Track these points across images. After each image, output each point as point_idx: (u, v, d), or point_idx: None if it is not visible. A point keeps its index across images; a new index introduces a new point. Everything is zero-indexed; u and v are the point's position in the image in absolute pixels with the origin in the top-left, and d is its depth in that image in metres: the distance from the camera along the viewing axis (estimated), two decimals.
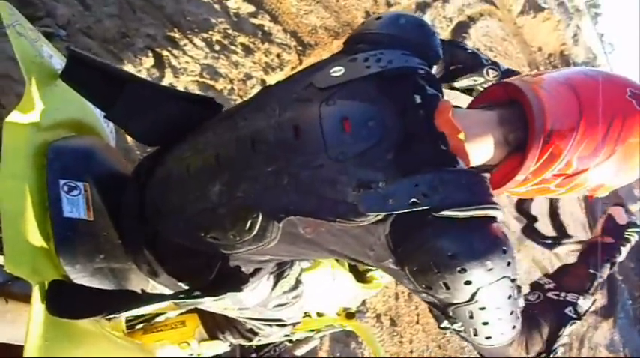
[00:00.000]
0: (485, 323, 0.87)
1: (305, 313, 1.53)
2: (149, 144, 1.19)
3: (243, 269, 1.02)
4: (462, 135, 0.91)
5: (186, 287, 1.06)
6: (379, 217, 0.84)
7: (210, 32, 3.15)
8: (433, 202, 0.81)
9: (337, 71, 0.98)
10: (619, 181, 0.99)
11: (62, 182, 0.99)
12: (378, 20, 1.10)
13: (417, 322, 3.67)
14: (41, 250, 0.93)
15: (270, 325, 1.29)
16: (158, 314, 1.44)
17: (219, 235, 0.96)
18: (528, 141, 0.93)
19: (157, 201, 1.06)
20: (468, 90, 1.31)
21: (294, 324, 1.35)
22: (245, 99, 1.31)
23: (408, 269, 0.85)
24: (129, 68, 2.56)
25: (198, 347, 1.43)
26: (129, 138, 2.14)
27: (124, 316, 1.27)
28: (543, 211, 1.34)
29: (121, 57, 2.58)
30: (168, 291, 1.09)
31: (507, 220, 5.28)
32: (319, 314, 1.61)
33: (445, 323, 0.92)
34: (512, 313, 0.88)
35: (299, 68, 3.49)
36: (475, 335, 0.89)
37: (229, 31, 3.28)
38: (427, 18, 5.65)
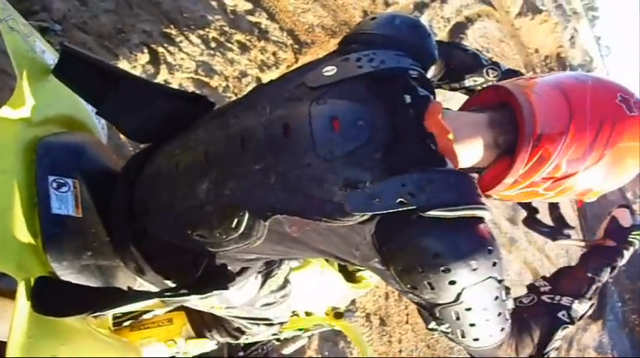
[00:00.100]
0: (472, 325, 0.86)
1: (293, 312, 1.53)
2: (140, 142, 1.19)
3: (229, 267, 1.02)
4: (451, 136, 0.91)
5: (173, 285, 1.06)
6: (365, 217, 0.84)
7: (207, 29, 3.14)
8: (420, 202, 0.81)
9: (329, 70, 0.98)
10: (608, 186, 0.99)
11: (51, 178, 0.99)
12: (373, 20, 1.10)
13: (407, 322, 3.68)
14: (28, 246, 0.92)
15: (258, 324, 1.29)
16: (146, 312, 1.44)
17: (206, 233, 0.96)
18: (518, 144, 0.94)
19: (145, 197, 1.06)
20: (469, 91, 1.31)
21: (281, 323, 1.35)
22: (239, 96, 1.31)
23: (393, 268, 0.86)
24: (124, 64, 2.55)
25: (185, 345, 1.43)
26: (122, 135, 2.14)
27: (110, 313, 1.27)
28: (544, 204, 1.32)
29: (116, 52, 2.57)
30: (155, 289, 1.09)
31: (499, 221, 5.31)
32: (308, 314, 1.62)
33: (433, 325, 0.92)
34: (500, 315, 0.88)
35: (295, 66, 3.48)
36: (463, 336, 0.89)
37: (226, 28, 3.27)
38: (425, 18, 5.66)
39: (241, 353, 1.73)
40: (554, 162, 0.93)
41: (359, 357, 3.02)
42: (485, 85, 1.27)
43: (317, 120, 0.90)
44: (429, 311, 0.89)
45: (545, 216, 1.23)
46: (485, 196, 1.00)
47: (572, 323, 1.04)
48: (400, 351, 3.56)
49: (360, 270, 1.45)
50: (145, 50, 2.73)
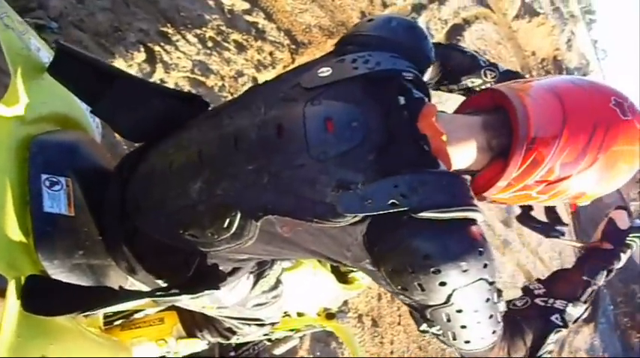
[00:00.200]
0: (463, 327, 0.87)
1: (285, 313, 1.53)
2: (135, 141, 1.19)
3: (221, 267, 1.02)
4: (444, 137, 0.91)
5: (164, 285, 1.06)
6: (357, 218, 0.84)
7: (204, 28, 3.13)
8: (412, 203, 0.81)
9: (324, 71, 0.98)
10: (601, 189, 0.99)
11: (44, 176, 0.98)
12: (369, 22, 1.10)
13: (399, 323, 3.69)
14: (19, 245, 0.92)
15: (249, 324, 1.30)
16: (137, 311, 1.44)
17: (198, 232, 0.96)
18: (511, 147, 0.94)
19: (138, 196, 1.06)
20: (467, 93, 1.30)
21: (273, 324, 1.35)
22: (234, 97, 1.31)
23: (384, 269, 0.86)
24: (120, 62, 2.54)
25: (175, 344, 1.42)
26: (116, 134, 2.13)
27: (101, 313, 1.27)
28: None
29: (112, 51, 2.56)
30: (146, 288, 1.09)
31: (493, 223, 5.32)
32: (299, 314, 1.61)
33: (424, 327, 0.92)
34: (491, 317, 0.88)
35: (291, 67, 3.48)
36: (454, 339, 0.89)
37: (223, 28, 3.26)
38: (422, 19, 5.66)
39: (232, 353, 1.72)
40: (548, 166, 0.93)
41: None
42: (483, 87, 1.27)
43: (311, 120, 0.90)
44: (421, 313, 0.89)
45: (539, 213, 1.22)
46: (478, 199, 1.00)
47: (565, 326, 1.03)
48: (392, 352, 3.57)
49: (352, 271, 1.45)
50: (142, 49, 2.72)
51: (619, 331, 9.55)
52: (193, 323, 1.41)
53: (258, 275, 1.12)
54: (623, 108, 0.95)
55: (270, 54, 3.52)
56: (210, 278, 1.00)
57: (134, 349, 1.38)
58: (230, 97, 3.00)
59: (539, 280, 1.14)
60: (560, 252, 7.28)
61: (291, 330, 1.67)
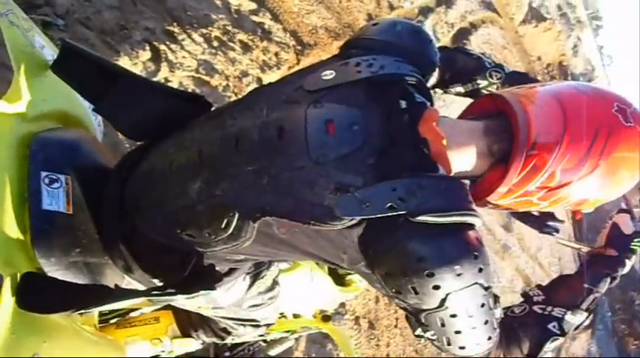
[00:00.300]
0: (457, 332, 0.86)
1: (281, 314, 1.53)
2: (137, 139, 1.19)
3: (218, 268, 1.03)
4: (445, 142, 0.91)
5: (160, 284, 1.06)
6: (354, 221, 0.83)
7: (210, 28, 3.14)
8: (410, 207, 0.81)
9: (328, 74, 0.98)
10: (603, 196, 0.99)
11: (43, 174, 0.99)
12: (374, 26, 1.10)
13: (396, 326, 3.68)
14: (16, 241, 0.92)
15: (244, 325, 1.30)
16: (133, 310, 1.44)
17: (195, 232, 0.97)
18: (512, 152, 0.94)
19: (138, 195, 1.06)
20: (473, 95, 1.29)
21: (268, 325, 1.35)
22: (239, 97, 1.31)
23: (378, 272, 0.85)
24: (125, 61, 2.55)
25: (170, 344, 1.43)
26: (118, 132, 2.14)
27: (96, 311, 1.27)
28: None
29: (117, 49, 2.57)
30: (142, 287, 1.10)
31: (493, 228, 5.30)
32: (295, 316, 1.61)
33: (419, 331, 0.91)
34: (487, 323, 0.87)
35: (296, 68, 3.49)
36: (448, 344, 0.88)
37: (229, 28, 3.27)
38: (429, 23, 5.66)
39: (227, 354, 1.72)
40: (548, 171, 0.93)
41: None
42: (489, 88, 1.27)
43: (312, 123, 0.90)
44: (415, 317, 0.89)
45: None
46: (479, 205, 1.00)
47: (562, 335, 1.03)
48: (388, 355, 3.56)
49: (349, 274, 1.45)
50: (147, 47, 2.72)
51: (616, 338, 9.51)
52: (189, 322, 1.41)
53: (255, 276, 1.12)
54: (625, 114, 0.94)
55: (276, 54, 3.52)
56: (206, 279, 1.00)
57: (128, 348, 1.38)
58: (234, 97, 3.00)
59: (539, 286, 1.13)
60: (560, 258, 7.26)
61: (287, 331, 1.67)
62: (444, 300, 0.82)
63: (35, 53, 1.11)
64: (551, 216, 1.19)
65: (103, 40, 2.53)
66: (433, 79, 1.16)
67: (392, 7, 5.12)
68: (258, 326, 1.31)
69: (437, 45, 1.13)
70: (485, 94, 1.25)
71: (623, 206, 1.16)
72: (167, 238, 1.01)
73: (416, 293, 0.82)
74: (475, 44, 6.36)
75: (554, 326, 1.03)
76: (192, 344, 1.46)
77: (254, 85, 3.15)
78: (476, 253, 0.82)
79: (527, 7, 8.33)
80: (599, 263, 1.12)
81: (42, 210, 0.96)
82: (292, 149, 0.90)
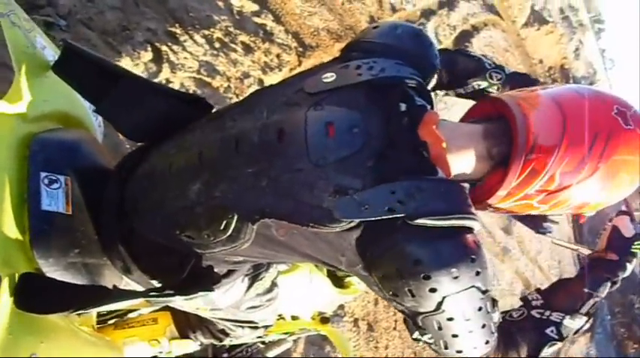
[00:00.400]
0: (454, 336, 0.86)
1: (279, 316, 1.53)
2: (137, 141, 1.20)
3: (216, 269, 1.03)
4: (444, 145, 0.91)
5: (159, 286, 1.06)
6: (353, 223, 0.83)
7: (212, 29, 3.14)
8: (408, 210, 0.81)
9: (328, 77, 0.98)
10: (604, 200, 0.98)
11: (43, 174, 0.99)
12: (375, 29, 1.10)
13: (394, 328, 3.67)
14: (15, 242, 0.93)
15: (243, 326, 1.30)
16: (131, 311, 1.44)
17: (194, 234, 0.97)
18: (511, 155, 0.94)
19: (137, 196, 1.06)
20: (475, 97, 1.29)
21: (266, 327, 1.35)
22: (240, 98, 1.31)
23: (375, 274, 0.86)
24: (127, 61, 2.56)
25: (168, 345, 1.43)
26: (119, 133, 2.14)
27: (94, 311, 1.27)
28: None
29: (119, 50, 2.57)
30: (140, 288, 1.10)
31: (493, 230, 5.29)
32: (294, 318, 1.61)
33: (417, 335, 0.91)
34: (484, 326, 0.87)
35: (298, 69, 3.49)
36: (446, 348, 0.88)
37: (231, 29, 3.27)
38: (431, 25, 5.66)
39: (225, 355, 1.73)
40: (547, 175, 0.92)
41: None
42: (490, 89, 1.27)
43: (312, 125, 0.91)
44: (413, 321, 0.89)
45: None
46: (479, 208, 1.00)
47: (561, 340, 1.02)
48: (386, 357, 3.55)
49: (348, 276, 1.45)
50: (149, 48, 2.73)
51: (615, 342, 9.48)
52: (187, 324, 1.41)
53: (253, 278, 1.12)
54: (625, 117, 0.93)
55: (277, 56, 3.52)
56: (205, 280, 1.00)
57: (126, 348, 1.38)
58: (235, 99, 3.01)
59: (538, 290, 1.13)
60: (560, 261, 7.25)
61: (285, 333, 1.66)
62: (440, 303, 0.82)
63: (36, 54, 1.11)
64: (545, 217, 1.19)
65: (104, 40, 2.53)
66: (434, 82, 1.16)
67: (394, 10, 5.12)
68: (256, 327, 1.31)
69: (438, 47, 1.13)
70: (485, 97, 1.25)
71: (623, 208, 1.16)
72: (166, 239, 1.01)
73: (412, 295, 0.82)
74: (477, 47, 6.35)
75: (552, 331, 1.02)
76: (190, 346, 1.46)
77: (255, 87, 3.15)
78: (473, 256, 0.82)
79: (530, 10, 8.32)
80: (599, 267, 1.12)
81: (41, 210, 0.96)
82: (292, 151, 0.90)
